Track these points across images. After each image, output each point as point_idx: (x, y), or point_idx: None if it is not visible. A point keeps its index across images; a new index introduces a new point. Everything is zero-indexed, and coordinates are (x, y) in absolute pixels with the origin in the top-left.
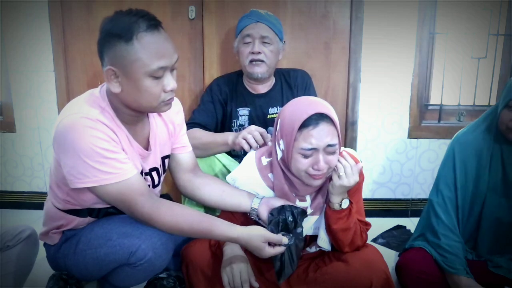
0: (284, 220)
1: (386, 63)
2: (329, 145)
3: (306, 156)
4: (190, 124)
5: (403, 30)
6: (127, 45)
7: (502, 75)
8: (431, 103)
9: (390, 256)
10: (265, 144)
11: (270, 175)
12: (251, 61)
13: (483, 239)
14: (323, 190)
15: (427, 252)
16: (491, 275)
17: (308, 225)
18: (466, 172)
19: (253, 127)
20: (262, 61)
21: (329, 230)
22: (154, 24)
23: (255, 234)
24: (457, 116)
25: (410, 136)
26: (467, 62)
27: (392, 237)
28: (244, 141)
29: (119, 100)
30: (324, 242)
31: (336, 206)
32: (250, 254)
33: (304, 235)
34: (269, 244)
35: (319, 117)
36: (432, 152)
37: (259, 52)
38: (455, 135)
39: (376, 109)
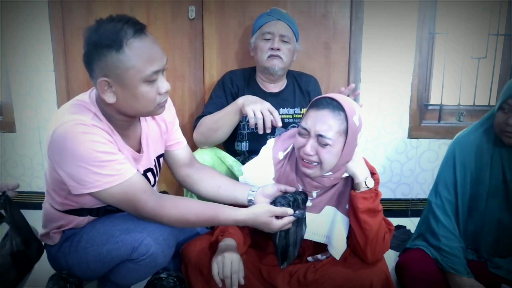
0: (288, 203)
1: (386, 63)
2: (320, 135)
3: (302, 135)
4: (200, 118)
5: (403, 30)
6: (118, 54)
7: (502, 75)
8: (431, 103)
9: (390, 256)
10: (272, 125)
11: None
12: (269, 56)
13: (485, 241)
14: (330, 191)
15: (427, 253)
16: (491, 276)
17: (319, 231)
18: (466, 174)
19: (267, 104)
20: (280, 57)
21: (356, 214)
22: (140, 28)
23: (260, 211)
24: (457, 116)
25: (410, 136)
26: (467, 62)
27: (392, 237)
28: (252, 114)
29: (113, 108)
30: (334, 250)
31: (362, 185)
32: (250, 254)
33: (305, 228)
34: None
35: (329, 103)
36: (432, 152)
37: (278, 49)
38: (456, 136)
39: (376, 109)
